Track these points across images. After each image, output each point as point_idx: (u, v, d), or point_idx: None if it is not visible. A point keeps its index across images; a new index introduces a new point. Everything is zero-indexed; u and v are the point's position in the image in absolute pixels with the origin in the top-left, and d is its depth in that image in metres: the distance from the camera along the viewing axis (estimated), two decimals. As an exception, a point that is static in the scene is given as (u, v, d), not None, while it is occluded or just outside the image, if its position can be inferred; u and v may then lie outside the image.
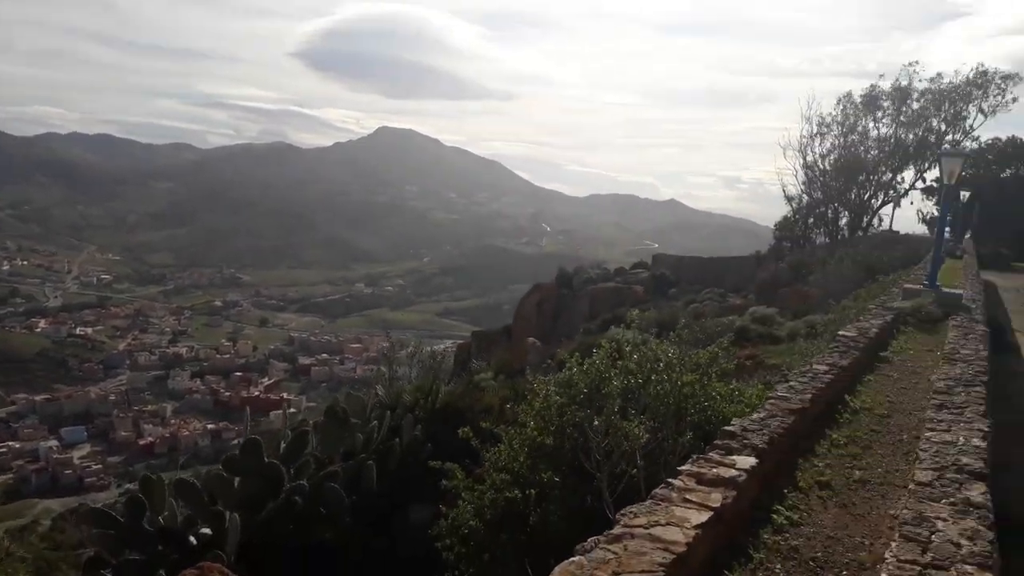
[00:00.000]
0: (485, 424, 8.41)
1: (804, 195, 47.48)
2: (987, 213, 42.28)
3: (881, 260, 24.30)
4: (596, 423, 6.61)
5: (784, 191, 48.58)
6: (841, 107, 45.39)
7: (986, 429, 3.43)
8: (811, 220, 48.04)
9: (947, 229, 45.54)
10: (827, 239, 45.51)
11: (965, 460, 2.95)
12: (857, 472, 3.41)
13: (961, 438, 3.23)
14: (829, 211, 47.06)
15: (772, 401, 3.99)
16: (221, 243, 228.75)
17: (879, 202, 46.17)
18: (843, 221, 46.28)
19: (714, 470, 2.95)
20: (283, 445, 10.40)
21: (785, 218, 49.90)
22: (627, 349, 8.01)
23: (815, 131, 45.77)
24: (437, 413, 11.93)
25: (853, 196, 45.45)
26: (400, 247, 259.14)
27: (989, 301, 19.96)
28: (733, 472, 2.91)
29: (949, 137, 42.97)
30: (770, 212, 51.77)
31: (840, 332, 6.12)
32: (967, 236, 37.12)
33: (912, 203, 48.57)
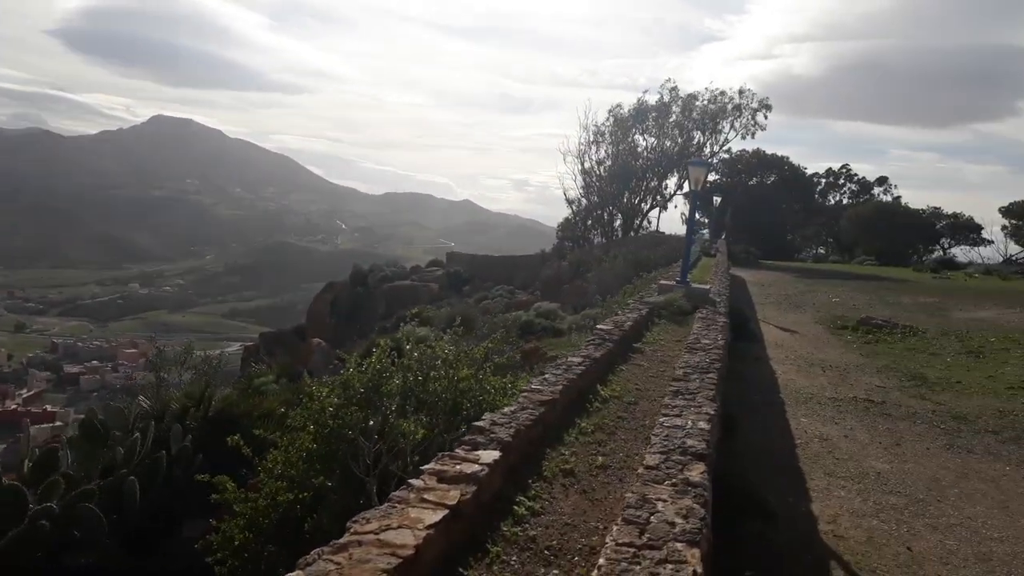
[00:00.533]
0: (258, 431, 7.94)
1: (583, 198, 50.63)
2: (740, 217, 47.47)
3: (648, 258, 26.36)
4: (371, 423, 6.48)
5: (565, 195, 51.54)
6: (613, 118, 48.86)
7: (712, 412, 3.73)
8: (589, 221, 51.22)
9: (706, 231, 50.27)
10: (604, 239, 48.75)
11: (690, 443, 3.19)
12: (600, 458, 3.57)
13: (689, 422, 3.49)
14: (605, 213, 50.45)
15: (525, 394, 4.08)
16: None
17: (648, 205, 50.25)
18: (617, 223, 49.82)
19: (457, 466, 2.92)
20: (28, 465, 9.18)
21: (567, 219, 52.84)
22: (407, 347, 7.94)
23: (591, 139, 48.98)
24: (210, 421, 11.12)
25: (626, 200, 49.06)
26: (180, 245, 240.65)
27: (737, 294, 22.35)
28: (475, 467, 2.90)
29: (707, 149, 47.74)
30: (556, 213, 54.72)
31: (598, 326, 6.48)
32: (722, 237, 41.35)
33: (676, 207, 53.36)
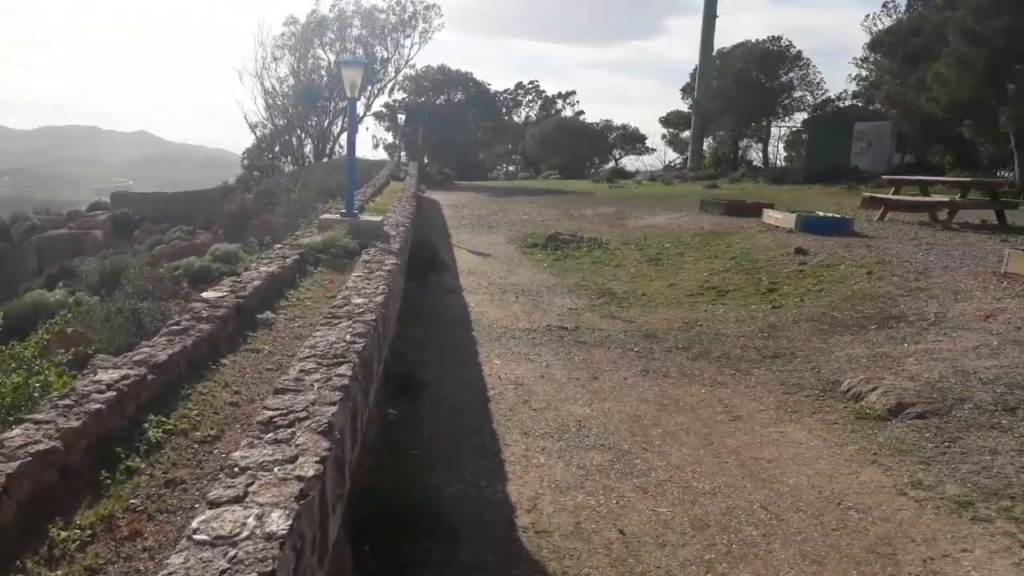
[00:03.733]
0: None
1: (268, 123, 46.32)
2: (433, 136, 46.70)
3: (337, 184, 24.19)
4: None
5: (246, 119, 46.80)
6: (290, 31, 44.74)
7: (313, 473, 1.98)
8: (277, 148, 47.22)
9: (402, 153, 48.78)
10: (295, 166, 45.24)
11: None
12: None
13: (252, 517, 1.74)
14: (294, 139, 46.70)
15: None
16: None
17: (339, 128, 47.42)
18: (308, 148, 46.46)
19: None
20: None
21: (252, 146, 48.25)
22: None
23: (270, 56, 44.48)
24: None
25: (314, 123, 45.73)
26: None
27: (431, 220, 21.28)
28: None
29: (391, 66, 45.79)
30: (247, 141, 49.67)
31: (202, 295, 4.41)
32: (418, 159, 40.29)
33: (368, 128, 51.07)
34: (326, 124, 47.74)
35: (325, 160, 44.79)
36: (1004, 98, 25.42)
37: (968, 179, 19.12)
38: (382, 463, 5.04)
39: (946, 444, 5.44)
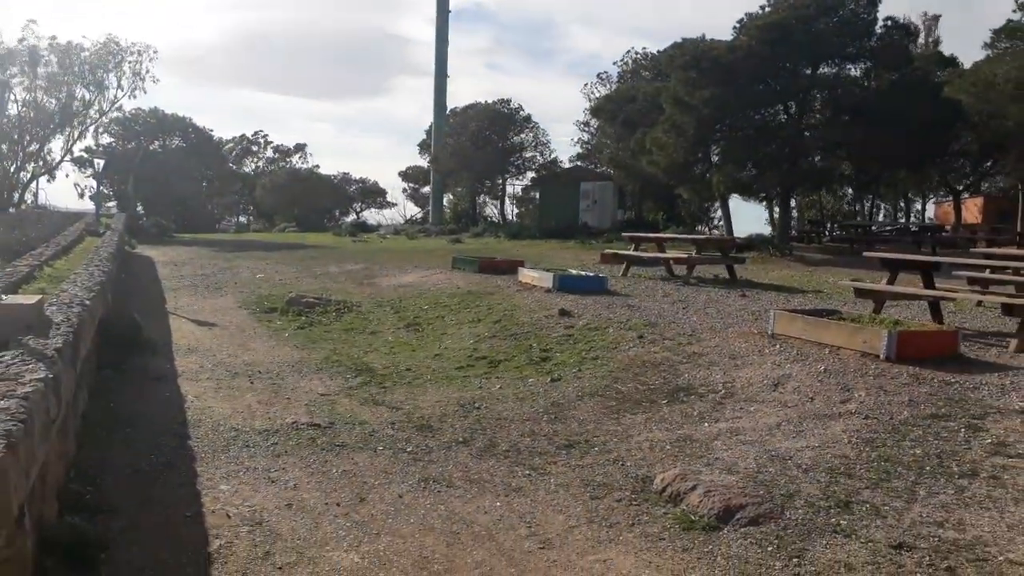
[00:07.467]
0: None
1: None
2: (147, 186, 41.66)
3: (19, 240, 19.80)
4: None
5: None
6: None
7: None
8: (-58, 196, 39.06)
9: (113, 203, 42.90)
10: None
11: None
12: None
13: None
14: (-34, 185, 38.94)
15: None
16: None
17: (29, 175, 40.55)
18: (-12, 197, 38.98)
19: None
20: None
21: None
22: None
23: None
24: None
25: (-4, 168, 38.63)
26: None
27: (143, 283, 17.97)
28: None
29: (95, 107, 40.22)
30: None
31: None
32: (121, 210, 35.45)
33: (68, 176, 44.66)
34: (12, 169, 40.52)
35: (12, 211, 37.76)
36: (710, 161, 28.12)
37: (703, 236, 20.39)
38: None
39: (795, 561, 4.54)
